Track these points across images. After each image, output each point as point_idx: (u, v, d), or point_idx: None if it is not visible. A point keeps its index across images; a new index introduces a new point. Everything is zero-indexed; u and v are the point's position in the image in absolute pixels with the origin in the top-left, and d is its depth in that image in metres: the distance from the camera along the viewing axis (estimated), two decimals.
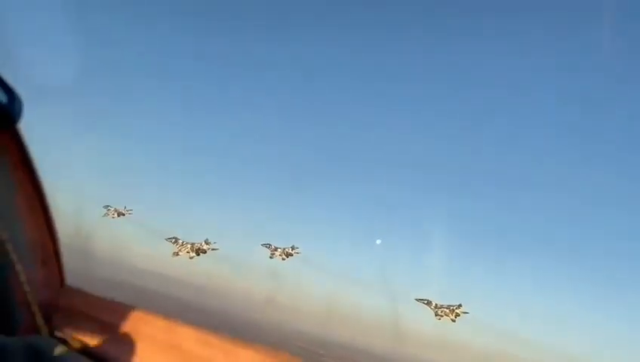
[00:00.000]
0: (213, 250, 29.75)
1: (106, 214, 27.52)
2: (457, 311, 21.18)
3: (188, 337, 2.17)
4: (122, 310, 2.33)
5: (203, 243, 29.28)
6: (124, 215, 27.93)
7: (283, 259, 25.75)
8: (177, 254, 29.69)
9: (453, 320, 21.19)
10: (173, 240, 30.39)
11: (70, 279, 2.51)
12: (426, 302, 21.44)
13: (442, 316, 21.15)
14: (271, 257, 25.98)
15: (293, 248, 25.88)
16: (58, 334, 2.24)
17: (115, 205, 27.53)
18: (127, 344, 2.24)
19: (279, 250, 25.89)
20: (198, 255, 29.79)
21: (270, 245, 26.23)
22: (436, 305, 21.29)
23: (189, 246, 29.55)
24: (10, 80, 1.94)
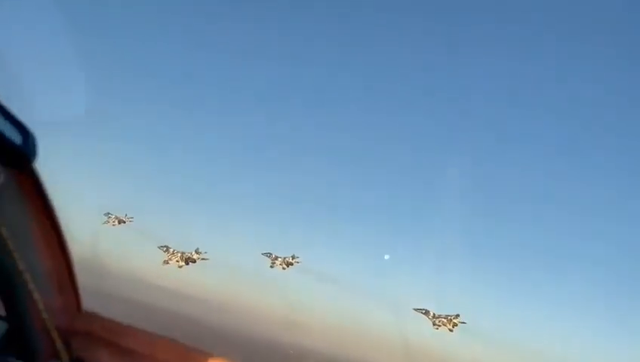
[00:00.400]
0: (203, 259, 29.70)
1: (107, 222, 27.53)
2: (455, 320, 21.44)
3: None
4: (139, 335, 2.43)
5: (193, 252, 29.25)
6: (124, 222, 27.92)
7: (283, 268, 25.83)
8: (167, 263, 29.65)
9: (451, 330, 21.44)
10: (165, 248, 30.28)
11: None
12: (424, 311, 21.70)
13: (440, 325, 21.42)
14: (271, 266, 26.06)
15: (293, 257, 25.94)
16: (77, 359, 2.33)
17: (116, 213, 27.51)
18: None
19: (279, 259, 25.94)
20: (188, 264, 29.77)
21: (271, 254, 26.28)
22: (434, 314, 21.55)
23: (179, 255, 29.53)
24: (21, 114, 1.98)
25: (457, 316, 21.49)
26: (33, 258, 2.23)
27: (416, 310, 21.68)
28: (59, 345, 2.25)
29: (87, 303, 2.50)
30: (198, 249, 30.11)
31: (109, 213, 27.53)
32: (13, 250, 2.10)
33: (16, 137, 1.91)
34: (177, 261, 29.41)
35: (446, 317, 21.42)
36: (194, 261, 29.70)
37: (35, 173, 2.15)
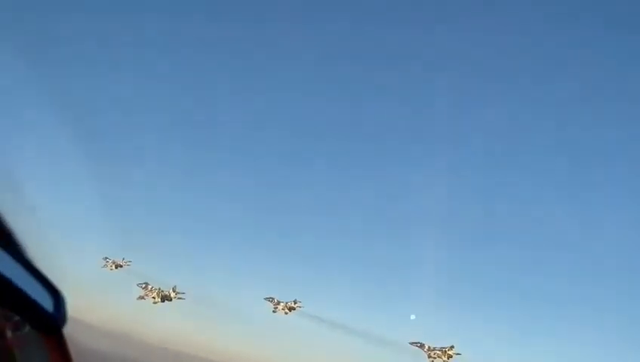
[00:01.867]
0: (179, 299, 30.90)
1: (105, 266, 28.45)
2: (450, 352, 23.12)
3: None
4: None
5: (171, 290, 30.39)
6: (121, 266, 28.86)
7: (286, 313, 27.00)
8: (143, 298, 30.54)
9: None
10: (144, 285, 31.38)
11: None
12: (419, 344, 23.37)
13: (435, 358, 23.10)
14: (274, 311, 27.20)
15: (295, 302, 26.87)
16: None
17: (114, 256, 28.45)
18: None
19: (282, 304, 26.97)
20: (163, 301, 30.72)
21: (273, 299, 27.38)
22: (429, 347, 23.17)
23: (155, 291, 30.57)
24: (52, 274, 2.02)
25: (452, 347, 23.13)
26: None
27: (411, 344, 23.38)
28: None
29: None
30: (175, 287, 31.27)
31: (106, 258, 28.59)
32: None
33: (48, 304, 1.91)
34: (153, 297, 30.36)
35: (441, 349, 23.08)
36: (170, 299, 30.76)
37: (63, 339, 2.24)
